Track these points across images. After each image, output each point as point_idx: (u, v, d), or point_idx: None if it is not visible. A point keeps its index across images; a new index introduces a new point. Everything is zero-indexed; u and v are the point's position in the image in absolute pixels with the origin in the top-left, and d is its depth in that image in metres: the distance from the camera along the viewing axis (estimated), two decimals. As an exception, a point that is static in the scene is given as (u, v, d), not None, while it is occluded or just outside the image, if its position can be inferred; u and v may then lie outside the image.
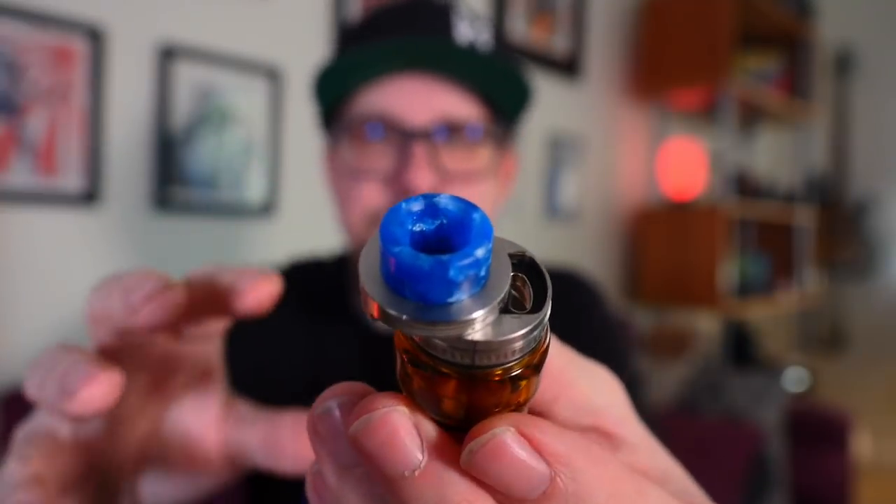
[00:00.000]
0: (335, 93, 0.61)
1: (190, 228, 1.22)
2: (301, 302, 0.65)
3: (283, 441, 0.29)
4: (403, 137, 0.56)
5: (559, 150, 2.02)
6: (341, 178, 0.61)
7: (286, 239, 1.35)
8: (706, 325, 2.52)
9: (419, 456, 0.14)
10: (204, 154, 1.23)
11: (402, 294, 0.12)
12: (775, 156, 3.20)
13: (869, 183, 3.05)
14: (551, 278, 0.15)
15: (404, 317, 0.12)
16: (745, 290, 2.39)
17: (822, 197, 3.02)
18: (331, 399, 0.16)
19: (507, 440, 0.13)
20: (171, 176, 1.19)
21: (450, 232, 0.13)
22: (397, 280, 0.12)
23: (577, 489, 0.14)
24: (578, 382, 0.19)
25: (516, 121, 0.65)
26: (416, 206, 0.13)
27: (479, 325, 0.13)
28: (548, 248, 2.00)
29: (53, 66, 1.04)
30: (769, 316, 2.76)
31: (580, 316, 0.65)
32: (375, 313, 0.13)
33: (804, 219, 2.77)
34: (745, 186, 2.45)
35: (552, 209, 2.01)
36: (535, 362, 0.14)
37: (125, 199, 1.15)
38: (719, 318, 2.46)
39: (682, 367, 1.88)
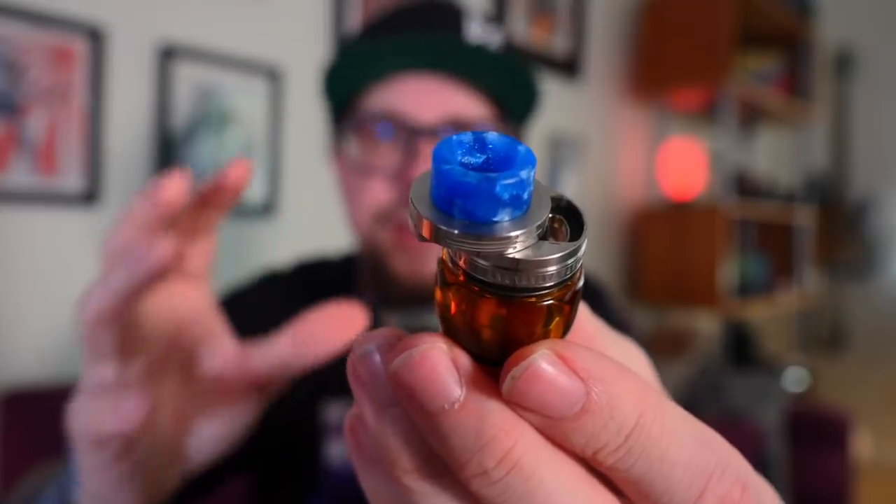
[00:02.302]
0: (345, 90, 0.61)
1: (190, 228, 1.22)
2: (309, 301, 0.65)
3: (314, 326, 0.34)
4: (410, 135, 0.56)
5: (559, 150, 2.02)
6: (349, 176, 0.61)
7: (286, 239, 1.35)
8: (706, 325, 2.52)
9: (458, 389, 0.14)
10: (204, 154, 1.23)
11: (451, 213, 0.13)
12: (775, 156, 3.20)
13: (869, 183, 3.05)
14: None
15: (455, 231, 0.13)
16: (745, 290, 2.39)
17: (822, 197, 3.02)
18: (370, 342, 0.16)
19: (546, 363, 0.14)
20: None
21: (496, 165, 0.14)
22: (446, 200, 0.13)
23: (610, 401, 0.14)
24: (608, 349, 0.19)
25: (524, 122, 0.65)
26: (466, 138, 0.14)
27: (521, 244, 0.13)
28: (548, 248, 2.00)
29: (53, 66, 1.04)
30: (769, 316, 2.76)
31: None
32: (426, 232, 0.14)
33: (804, 219, 2.77)
34: (745, 186, 2.45)
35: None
36: (567, 297, 0.15)
37: (125, 199, 1.15)
38: (719, 318, 2.46)
39: (682, 367, 1.88)
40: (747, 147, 3.01)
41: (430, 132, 0.56)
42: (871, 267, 3.03)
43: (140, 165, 1.16)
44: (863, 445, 2.65)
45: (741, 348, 2.45)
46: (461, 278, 0.15)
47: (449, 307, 0.15)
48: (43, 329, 1.06)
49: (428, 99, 0.57)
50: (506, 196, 0.13)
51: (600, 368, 0.14)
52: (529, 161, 0.14)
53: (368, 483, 0.18)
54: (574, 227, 0.15)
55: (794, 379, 2.69)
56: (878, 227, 3.03)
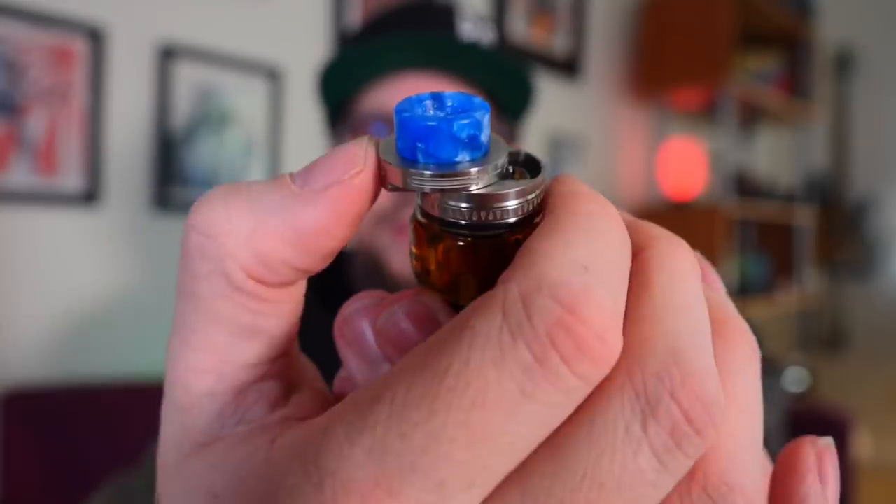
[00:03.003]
0: (341, 92, 0.61)
1: (190, 228, 1.22)
2: (305, 300, 0.65)
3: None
4: None
5: (559, 150, 2.02)
6: None
7: (286, 239, 1.35)
8: (706, 325, 2.52)
9: None
10: (204, 154, 1.23)
11: (416, 159, 0.14)
12: (775, 156, 3.20)
13: (869, 183, 3.05)
14: None
15: (423, 172, 0.14)
16: (745, 289, 2.39)
17: (822, 197, 3.02)
18: (354, 303, 0.17)
19: None
20: (171, 176, 1.19)
21: (454, 115, 0.15)
22: (410, 147, 0.14)
23: None
24: None
25: (521, 119, 0.65)
26: (425, 96, 0.15)
27: (483, 182, 0.14)
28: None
29: (53, 66, 1.04)
30: (769, 316, 2.76)
31: None
32: (395, 179, 0.15)
33: (804, 219, 2.77)
34: (745, 186, 2.45)
35: (561, 176, 2.01)
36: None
37: (125, 199, 1.15)
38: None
39: (682, 367, 1.87)
40: (747, 147, 3.01)
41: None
42: (871, 267, 3.03)
43: (140, 165, 1.16)
44: (863, 445, 2.65)
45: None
46: (433, 229, 0.15)
47: (427, 261, 0.16)
48: (43, 329, 1.06)
49: None
50: (463, 136, 0.14)
51: None
52: (483, 106, 0.15)
53: None
54: (533, 174, 0.16)
55: (794, 379, 2.69)
56: (878, 227, 3.03)
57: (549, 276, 0.12)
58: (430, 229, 0.15)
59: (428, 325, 0.15)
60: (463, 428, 0.11)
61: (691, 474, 0.13)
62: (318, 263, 0.15)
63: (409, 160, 0.15)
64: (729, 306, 0.16)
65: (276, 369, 0.16)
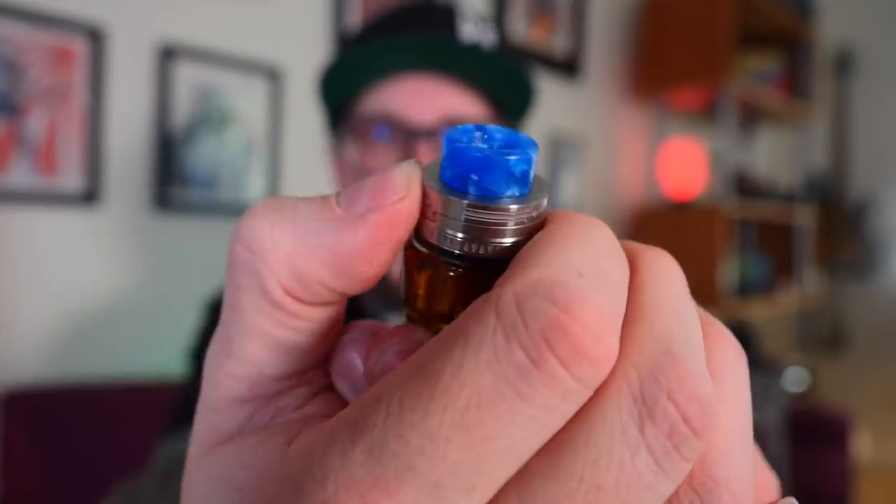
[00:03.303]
0: (341, 93, 0.61)
1: (190, 228, 1.22)
2: None
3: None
4: (408, 136, 0.57)
5: (559, 150, 2.02)
6: (347, 178, 0.61)
7: (286, 239, 1.35)
8: (706, 325, 2.52)
9: None
10: (204, 154, 1.23)
11: (465, 190, 0.14)
12: (775, 156, 3.20)
13: (869, 183, 3.05)
14: None
15: (468, 202, 0.14)
16: (745, 290, 2.39)
17: (822, 197, 3.02)
18: (347, 334, 0.17)
19: None
20: (171, 176, 1.19)
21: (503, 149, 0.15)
22: (461, 177, 0.14)
23: None
24: None
25: (521, 120, 0.65)
26: (471, 127, 0.15)
27: (524, 217, 0.14)
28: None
29: (53, 66, 1.04)
30: (769, 316, 2.76)
31: None
32: (438, 206, 0.14)
33: (804, 219, 2.77)
34: (745, 186, 2.45)
35: (552, 209, 2.01)
36: None
37: (125, 199, 1.15)
38: (719, 318, 2.45)
39: (682, 367, 1.87)
40: (747, 147, 3.01)
41: (426, 133, 0.56)
42: (871, 267, 3.03)
43: (140, 165, 1.16)
44: (863, 445, 2.65)
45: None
46: (426, 256, 0.15)
47: (417, 287, 0.16)
48: (43, 329, 1.06)
49: (424, 99, 0.58)
50: (517, 171, 0.14)
51: None
52: (532, 144, 0.15)
53: None
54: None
55: (794, 379, 2.69)
56: (878, 227, 3.03)
57: (544, 279, 0.12)
58: (423, 257, 0.15)
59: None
60: (458, 429, 0.11)
61: None
62: (356, 287, 0.15)
63: (454, 189, 0.14)
64: (704, 312, 0.16)
65: (308, 378, 0.16)
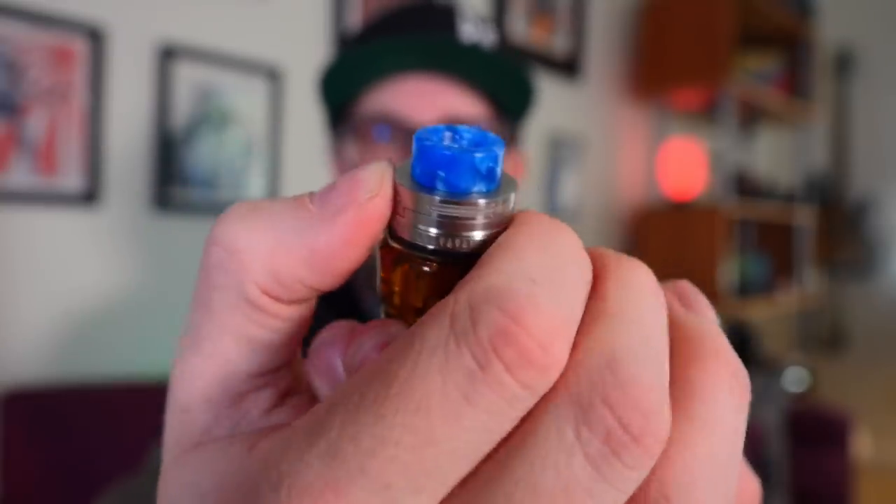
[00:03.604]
0: (342, 93, 0.61)
1: (190, 228, 1.22)
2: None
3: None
4: (408, 136, 0.57)
5: (559, 150, 2.02)
6: None
7: (286, 239, 1.35)
8: (706, 325, 2.52)
9: None
10: (204, 154, 1.23)
11: (433, 186, 0.15)
12: (775, 156, 3.21)
13: (869, 183, 3.05)
14: None
15: (436, 199, 0.15)
16: (745, 290, 2.39)
17: (822, 197, 3.02)
18: (325, 333, 0.17)
19: None
20: (171, 176, 1.19)
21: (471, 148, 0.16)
22: (429, 174, 0.15)
23: None
24: None
25: (522, 120, 0.66)
26: (441, 128, 0.16)
27: (491, 211, 0.15)
28: (548, 248, 2.00)
29: (53, 66, 1.04)
30: (769, 316, 2.76)
31: None
32: (409, 202, 0.15)
33: (804, 219, 2.77)
34: (745, 186, 2.45)
35: (552, 209, 2.01)
36: None
37: (125, 199, 1.15)
38: (719, 318, 2.45)
39: (682, 367, 1.87)
40: (747, 147, 3.01)
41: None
42: (871, 267, 3.03)
43: (140, 165, 1.16)
44: (863, 445, 2.65)
45: (741, 348, 2.45)
46: (400, 253, 0.16)
47: (392, 284, 0.16)
48: (43, 329, 1.06)
49: (424, 100, 0.58)
50: (483, 168, 0.15)
51: None
52: (499, 142, 0.15)
53: None
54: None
55: (794, 379, 2.69)
56: (878, 227, 3.03)
57: (497, 285, 0.13)
58: (398, 253, 0.16)
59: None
60: (408, 431, 0.12)
61: (641, 487, 0.13)
62: (331, 283, 0.15)
63: (424, 186, 0.15)
64: (712, 330, 0.16)
65: (275, 378, 0.16)
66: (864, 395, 2.87)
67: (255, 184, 1.30)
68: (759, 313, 2.55)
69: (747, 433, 0.15)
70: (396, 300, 0.16)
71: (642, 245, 2.38)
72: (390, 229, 0.16)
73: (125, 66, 1.13)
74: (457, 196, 0.15)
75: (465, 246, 0.15)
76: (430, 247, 0.15)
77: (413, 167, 0.15)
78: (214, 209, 1.24)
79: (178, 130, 1.19)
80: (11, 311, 1.03)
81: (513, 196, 0.15)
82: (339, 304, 0.65)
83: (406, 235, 0.15)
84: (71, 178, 1.07)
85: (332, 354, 0.16)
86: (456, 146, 0.15)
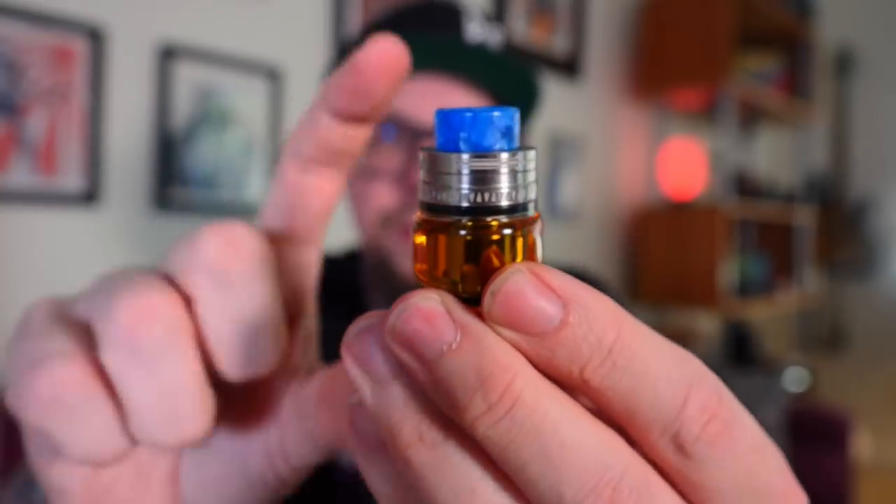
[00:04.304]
0: None
1: (190, 228, 1.21)
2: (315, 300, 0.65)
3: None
4: (413, 136, 0.57)
5: (559, 150, 2.02)
6: (353, 179, 0.61)
7: (286, 239, 1.35)
8: (706, 325, 2.52)
9: (453, 331, 0.15)
10: (204, 154, 1.23)
11: (457, 149, 0.16)
12: (775, 156, 3.21)
13: (869, 183, 3.05)
14: None
15: (464, 155, 0.16)
16: (745, 290, 2.39)
17: (822, 197, 3.02)
18: (360, 322, 0.17)
19: (521, 276, 0.15)
20: (171, 176, 1.19)
21: None
22: (452, 139, 0.16)
23: (587, 314, 0.15)
24: None
25: (527, 121, 0.66)
26: (458, 108, 0.17)
27: (516, 163, 0.16)
28: (548, 248, 1.99)
29: (53, 66, 1.04)
30: (769, 316, 2.76)
31: None
32: (443, 166, 0.16)
33: (804, 219, 2.77)
34: (745, 186, 2.45)
35: (552, 209, 2.01)
36: (527, 224, 0.17)
37: (125, 199, 1.15)
38: (719, 318, 2.46)
39: (682, 367, 1.87)
40: (747, 147, 3.01)
41: (431, 132, 0.57)
42: (871, 267, 3.03)
43: (140, 165, 1.16)
44: (863, 445, 2.65)
45: (741, 348, 2.45)
46: (433, 224, 0.17)
47: (427, 255, 0.17)
48: (43, 329, 1.06)
49: (429, 99, 0.58)
50: (502, 125, 0.16)
51: (574, 285, 0.15)
52: (514, 109, 0.17)
53: (373, 475, 0.18)
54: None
55: (794, 379, 2.69)
56: (878, 227, 3.03)
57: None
58: (431, 224, 0.17)
59: (438, 320, 0.15)
60: None
61: None
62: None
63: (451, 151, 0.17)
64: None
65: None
66: (864, 395, 2.87)
67: (255, 184, 1.30)
68: (758, 313, 2.55)
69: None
70: (434, 273, 0.17)
71: (642, 245, 2.38)
72: (424, 204, 0.17)
73: (125, 66, 1.13)
74: (482, 150, 0.16)
75: (494, 199, 0.16)
76: (465, 204, 0.16)
77: (437, 140, 0.17)
78: (214, 209, 1.24)
79: (178, 130, 1.19)
80: (11, 311, 1.03)
81: (533, 152, 0.17)
82: (346, 305, 0.65)
83: (441, 199, 0.17)
84: (71, 178, 1.07)
85: (367, 340, 0.16)
86: (474, 108, 0.17)
